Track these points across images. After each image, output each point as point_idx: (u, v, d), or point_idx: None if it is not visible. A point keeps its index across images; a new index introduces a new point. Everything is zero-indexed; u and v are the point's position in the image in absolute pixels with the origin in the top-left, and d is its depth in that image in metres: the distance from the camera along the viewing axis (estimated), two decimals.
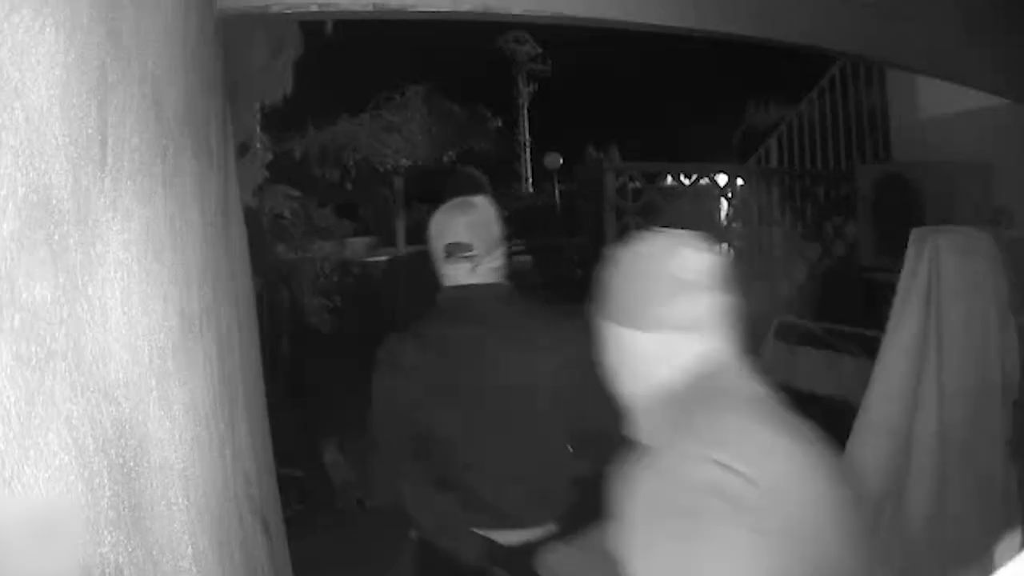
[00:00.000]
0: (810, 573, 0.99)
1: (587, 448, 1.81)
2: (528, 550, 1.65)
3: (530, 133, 22.19)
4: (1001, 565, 0.59)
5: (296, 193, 7.99)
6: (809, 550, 1.00)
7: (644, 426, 1.13)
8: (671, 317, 1.12)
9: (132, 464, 1.07)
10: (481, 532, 1.75)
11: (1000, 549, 1.89)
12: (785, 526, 0.99)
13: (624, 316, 1.15)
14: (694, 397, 1.11)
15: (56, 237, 0.99)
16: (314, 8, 2.00)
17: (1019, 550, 1.87)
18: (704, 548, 0.97)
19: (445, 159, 15.57)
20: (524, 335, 1.81)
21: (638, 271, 1.16)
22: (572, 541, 1.52)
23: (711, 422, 1.08)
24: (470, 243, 1.84)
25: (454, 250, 1.86)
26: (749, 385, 1.19)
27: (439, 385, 1.80)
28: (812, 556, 1.00)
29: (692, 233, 1.20)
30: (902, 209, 4.32)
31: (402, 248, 13.47)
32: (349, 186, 13.24)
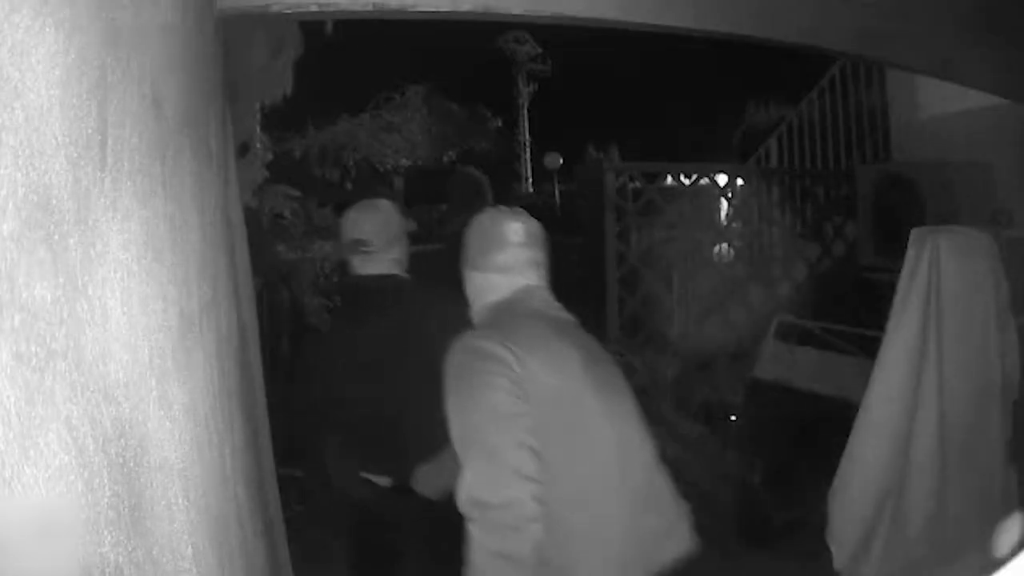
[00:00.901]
0: (564, 441, 1.46)
1: None
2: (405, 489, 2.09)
3: (530, 133, 22.18)
4: (1001, 548, 0.60)
5: (296, 193, 7.98)
6: (561, 422, 1.47)
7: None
8: (495, 263, 1.72)
9: (132, 464, 1.07)
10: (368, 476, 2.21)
11: (999, 537, 1.89)
12: (541, 397, 1.44)
13: (468, 263, 1.76)
14: (504, 310, 1.68)
15: (56, 237, 0.99)
16: (314, 8, 1.99)
17: (1018, 538, 1.87)
18: (469, 395, 1.44)
19: (445, 159, 15.59)
20: (405, 313, 2.21)
21: (475, 233, 1.78)
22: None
23: (507, 321, 1.64)
24: (368, 239, 2.27)
25: (357, 245, 2.29)
26: (545, 306, 1.72)
27: (343, 357, 2.23)
28: (565, 428, 1.48)
29: (514, 209, 1.82)
30: (902, 209, 4.32)
31: None
32: (349, 186, 13.23)
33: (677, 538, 1.70)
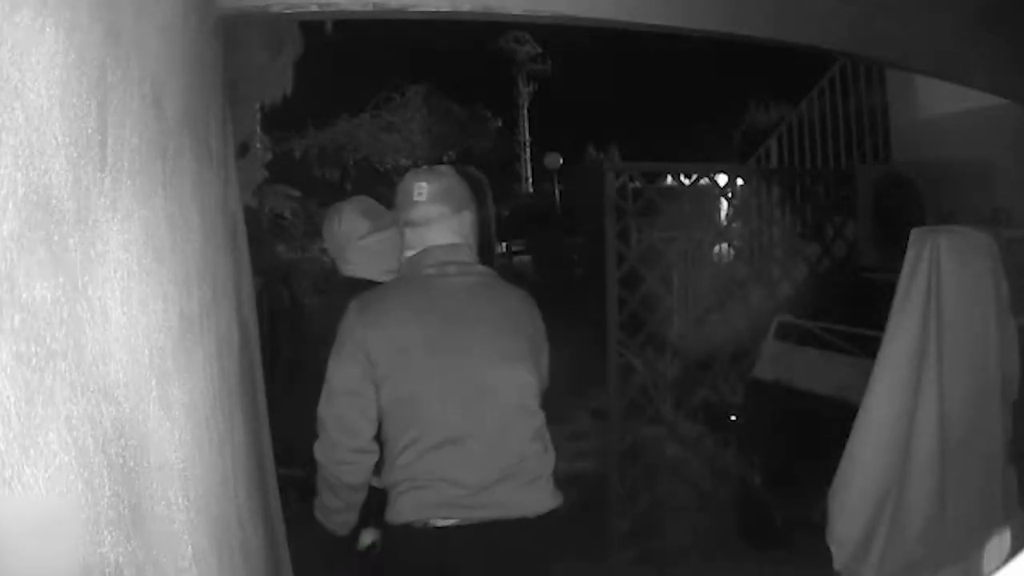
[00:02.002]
0: (405, 390, 1.71)
1: None
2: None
3: (530, 133, 22.18)
4: (989, 565, 0.60)
5: (296, 193, 7.99)
6: (401, 375, 1.71)
7: None
8: (405, 220, 1.90)
9: (132, 464, 1.07)
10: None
11: (988, 550, 1.90)
12: (385, 358, 1.71)
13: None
14: (405, 267, 1.92)
15: (56, 237, 0.99)
16: (314, 8, 1.99)
17: (1007, 551, 1.87)
18: (332, 354, 1.76)
19: (445, 159, 15.59)
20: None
21: (397, 192, 1.95)
22: None
23: (390, 284, 1.95)
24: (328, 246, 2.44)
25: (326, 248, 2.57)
26: (434, 268, 1.84)
27: None
28: (405, 379, 1.71)
29: (432, 167, 2.02)
30: (902, 209, 4.32)
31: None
32: (349, 186, 13.25)
33: (526, 494, 1.71)
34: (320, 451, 1.75)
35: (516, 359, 1.79)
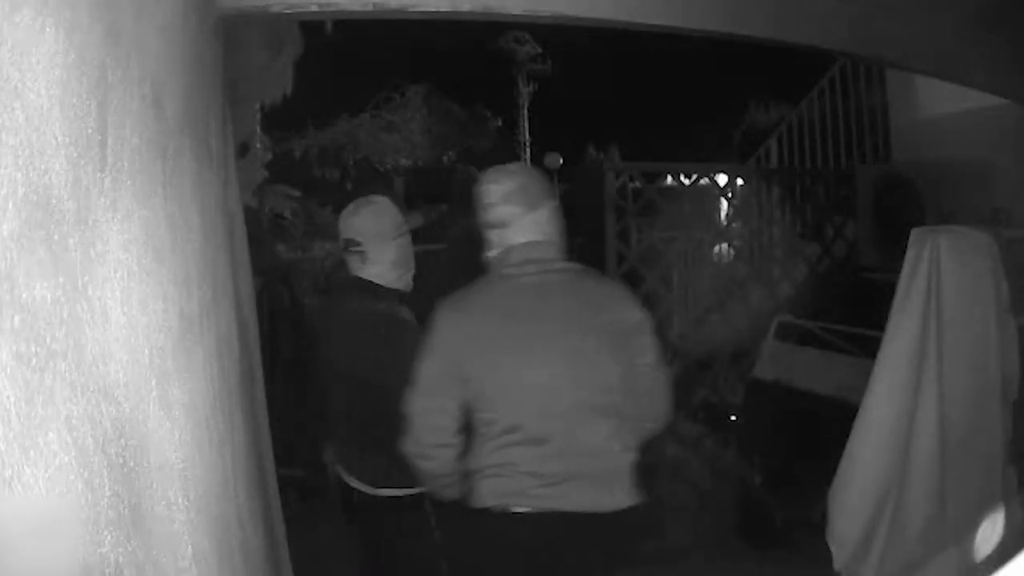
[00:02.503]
0: (489, 384, 1.78)
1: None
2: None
3: (530, 133, 22.16)
4: (989, 565, 0.60)
5: (296, 193, 8.00)
6: (485, 371, 1.79)
7: None
8: (484, 222, 1.93)
9: (132, 464, 1.07)
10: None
11: (988, 550, 1.90)
12: (468, 358, 1.79)
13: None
14: (491, 268, 1.94)
15: (56, 237, 0.99)
16: (314, 8, 1.99)
17: (1007, 549, 1.87)
18: (424, 350, 1.83)
19: (445, 159, 15.59)
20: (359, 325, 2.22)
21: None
22: None
23: (474, 286, 1.91)
24: (359, 239, 2.24)
25: (347, 244, 2.26)
26: (516, 268, 1.86)
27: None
28: (488, 375, 1.79)
29: (503, 167, 1.99)
30: (902, 209, 4.32)
31: None
32: (349, 186, 13.25)
33: (596, 490, 1.78)
34: (406, 444, 1.84)
35: (594, 358, 1.81)
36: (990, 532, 1.94)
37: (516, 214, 1.87)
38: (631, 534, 1.86)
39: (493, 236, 1.91)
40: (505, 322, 1.81)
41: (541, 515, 1.74)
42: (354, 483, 2.23)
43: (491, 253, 1.93)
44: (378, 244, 2.24)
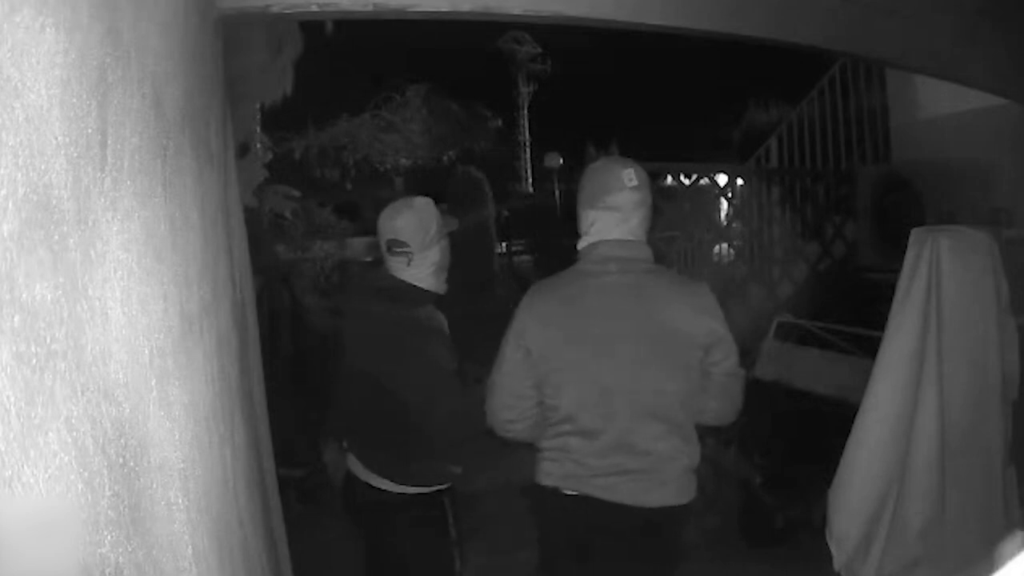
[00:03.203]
0: (555, 374, 1.90)
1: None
2: None
3: (530, 133, 22.18)
4: (990, 565, 0.60)
5: (296, 193, 7.99)
6: (553, 361, 1.89)
7: None
8: (585, 219, 2.01)
9: (132, 464, 1.07)
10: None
11: (1002, 551, 1.89)
12: (539, 347, 1.90)
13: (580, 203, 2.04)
14: (579, 258, 2.01)
15: (56, 237, 0.99)
16: (314, 8, 1.99)
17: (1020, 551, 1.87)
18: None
19: (445, 159, 15.58)
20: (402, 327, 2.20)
21: (587, 177, 2.04)
22: None
23: (559, 276, 2.03)
24: (405, 241, 2.20)
25: (392, 245, 2.21)
26: (597, 265, 1.94)
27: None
28: (555, 365, 1.90)
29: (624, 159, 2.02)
30: (902, 209, 4.32)
31: None
32: (349, 186, 13.26)
33: (643, 485, 1.89)
34: (487, 412, 2.03)
35: (655, 363, 1.88)
36: (997, 548, 1.93)
37: (636, 201, 1.95)
38: (672, 530, 1.98)
39: (595, 223, 1.97)
40: (580, 316, 1.91)
41: (588, 500, 1.88)
42: (375, 480, 2.24)
43: (582, 243, 2.00)
44: (423, 246, 2.20)
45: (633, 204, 1.94)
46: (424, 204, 2.25)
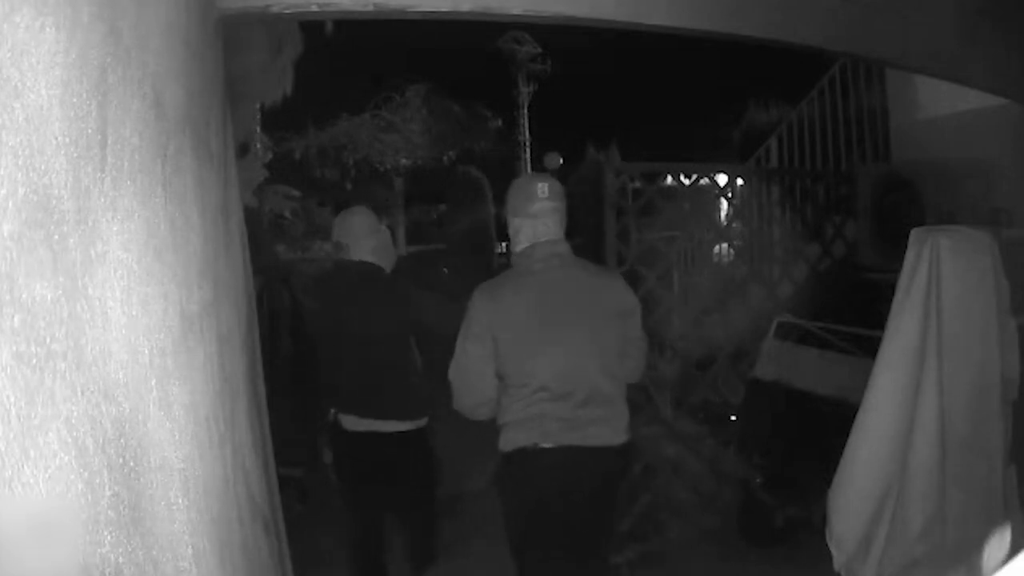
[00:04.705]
0: (515, 355, 2.29)
1: None
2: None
3: (530, 133, 22.17)
4: (990, 565, 0.60)
5: (296, 193, 8.00)
6: (512, 343, 2.28)
7: None
8: (518, 213, 2.43)
9: (132, 464, 1.07)
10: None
11: (988, 550, 1.89)
12: (497, 327, 2.28)
13: (508, 211, 2.48)
14: (516, 261, 2.44)
15: (56, 237, 0.99)
16: (314, 8, 1.99)
17: (1007, 549, 1.87)
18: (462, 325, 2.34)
19: (445, 159, 15.57)
20: (375, 296, 2.96)
21: (513, 189, 2.51)
22: None
23: (506, 274, 2.46)
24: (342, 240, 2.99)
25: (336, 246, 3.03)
26: (540, 263, 2.36)
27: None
28: (515, 347, 2.28)
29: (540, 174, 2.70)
30: (902, 209, 4.32)
31: (403, 248, 13.46)
32: (349, 186, 13.25)
33: (607, 429, 2.34)
34: (455, 403, 2.40)
35: (602, 333, 2.35)
36: (997, 548, 1.93)
37: (551, 209, 2.39)
38: (627, 460, 2.56)
39: (521, 229, 2.41)
40: (539, 305, 2.32)
41: (565, 448, 2.28)
42: (364, 425, 2.89)
43: (518, 248, 2.42)
44: (355, 242, 3.02)
45: (549, 211, 2.38)
46: (360, 211, 3.09)
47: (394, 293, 2.99)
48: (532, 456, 2.29)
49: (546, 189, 2.40)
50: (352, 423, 2.93)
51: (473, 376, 2.32)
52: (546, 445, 2.27)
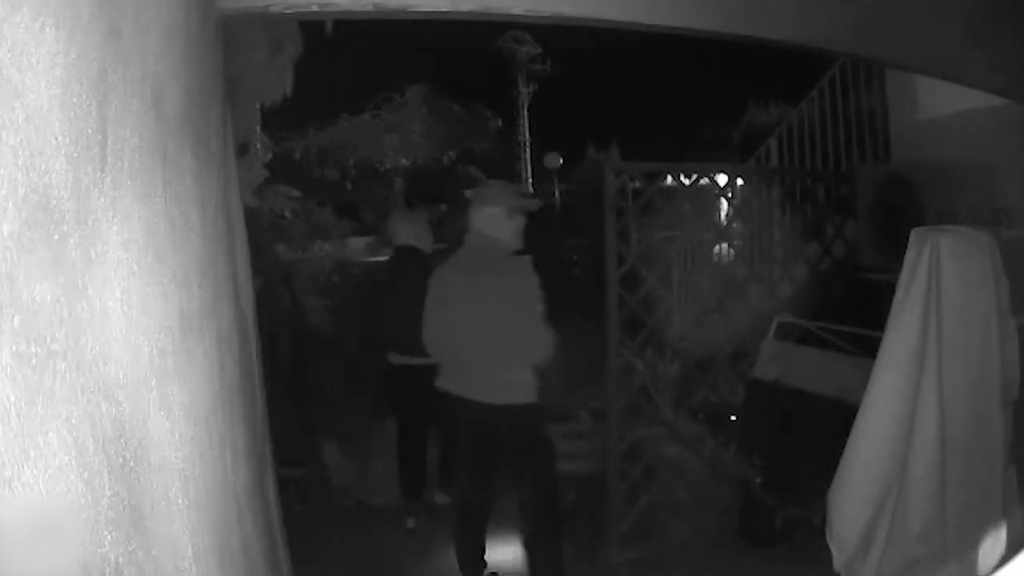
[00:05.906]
0: (444, 316, 3.21)
1: None
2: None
3: (530, 133, 22.15)
4: (989, 565, 0.60)
5: (296, 193, 7.99)
6: (441, 305, 3.22)
7: None
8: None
9: (132, 464, 1.07)
10: None
11: (988, 550, 1.89)
12: (440, 294, 3.24)
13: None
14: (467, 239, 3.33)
15: (56, 237, 0.99)
16: (314, 8, 1.99)
17: (1006, 549, 1.87)
18: None
19: (445, 159, 15.56)
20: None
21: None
22: None
23: (455, 253, 3.36)
24: None
25: None
26: (485, 247, 3.19)
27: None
28: (443, 308, 3.21)
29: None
30: (902, 209, 4.31)
31: None
32: (349, 186, 13.24)
33: (516, 390, 3.01)
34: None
35: (511, 308, 2.96)
36: (992, 547, 1.93)
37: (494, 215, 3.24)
38: (527, 419, 3.09)
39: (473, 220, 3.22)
40: (452, 287, 3.16)
41: (472, 402, 3.04)
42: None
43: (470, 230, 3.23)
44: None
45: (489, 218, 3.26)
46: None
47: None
48: (458, 405, 3.20)
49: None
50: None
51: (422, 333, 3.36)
52: (464, 396, 3.15)
